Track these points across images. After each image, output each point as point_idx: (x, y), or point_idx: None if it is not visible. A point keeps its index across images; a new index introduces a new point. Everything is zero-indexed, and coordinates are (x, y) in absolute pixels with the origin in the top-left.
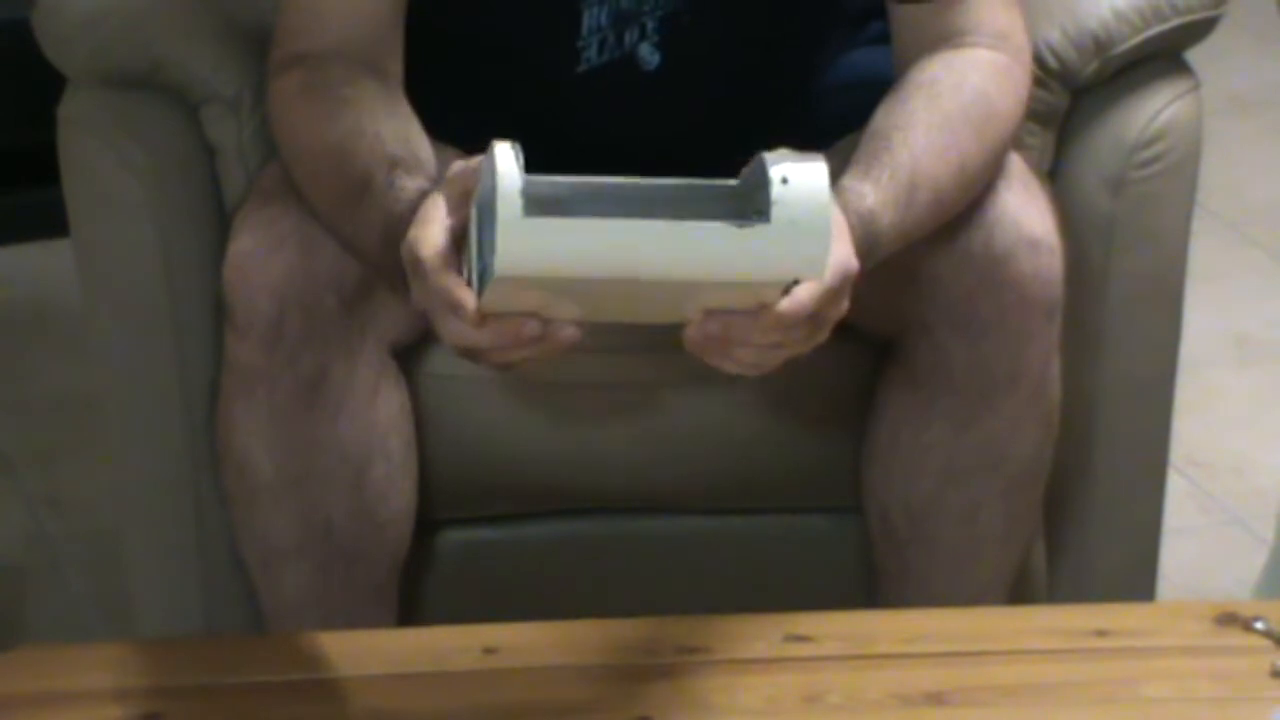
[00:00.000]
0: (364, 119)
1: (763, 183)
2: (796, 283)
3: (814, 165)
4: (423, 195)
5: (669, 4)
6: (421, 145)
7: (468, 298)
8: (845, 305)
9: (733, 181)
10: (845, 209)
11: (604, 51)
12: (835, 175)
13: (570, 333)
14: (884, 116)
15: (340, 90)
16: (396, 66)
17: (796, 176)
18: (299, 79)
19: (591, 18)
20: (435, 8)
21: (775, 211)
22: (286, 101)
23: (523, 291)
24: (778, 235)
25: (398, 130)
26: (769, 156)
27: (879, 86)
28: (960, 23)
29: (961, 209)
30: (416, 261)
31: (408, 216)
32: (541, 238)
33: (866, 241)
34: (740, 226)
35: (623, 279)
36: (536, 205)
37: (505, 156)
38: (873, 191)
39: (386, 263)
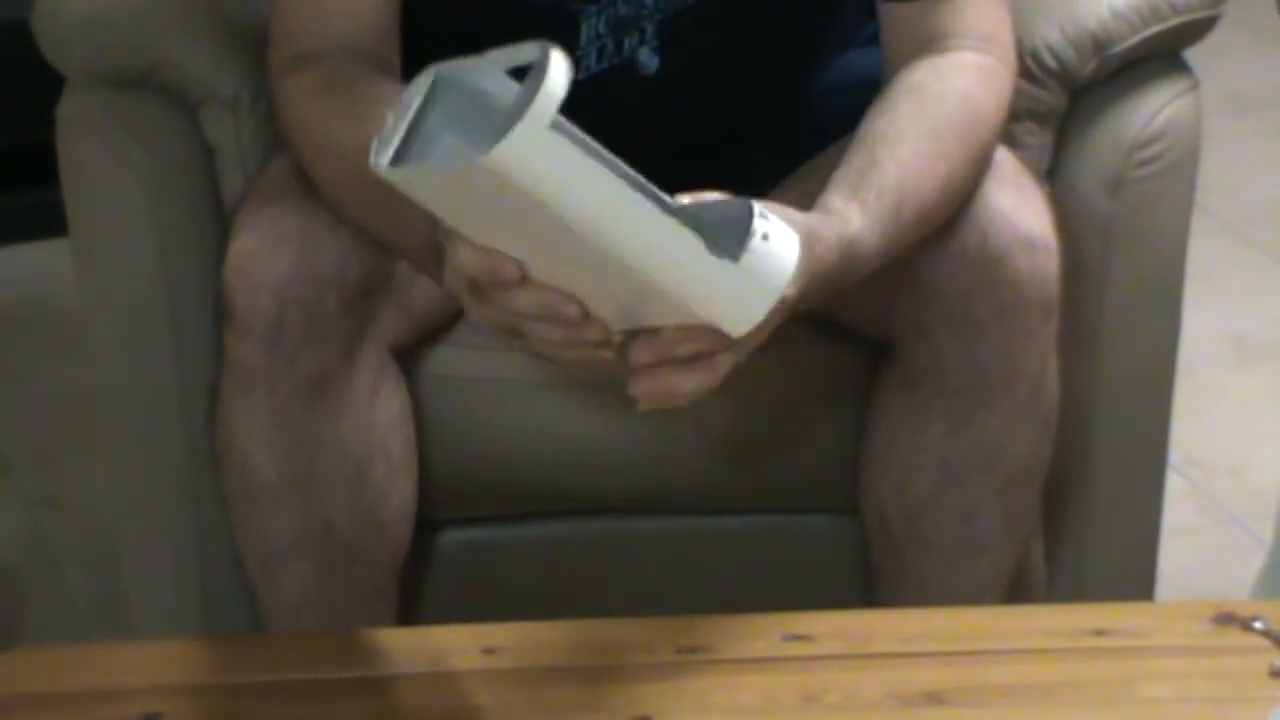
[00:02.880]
0: None
1: (744, 226)
2: None
3: (792, 238)
4: None
5: (668, 7)
6: None
7: (509, 265)
8: (764, 335)
9: (728, 199)
10: (829, 231)
11: (603, 58)
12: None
13: (597, 330)
14: (871, 124)
15: (361, 89)
16: (398, 66)
17: (777, 240)
18: (314, 77)
19: (590, 27)
20: (433, 14)
21: (744, 260)
22: (304, 100)
23: (473, 197)
24: (734, 281)
25: None
26: (759, 207)
27: (877, 87)
28: (948, 25)
29: (947, 217)
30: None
31: None
32: (547, 152)
33: (845, 263)
34: (711, 253)
35: (585, 232)
36: (558, 127)
37: (559, 67)
38: (859, 215)
39: (427, 252)
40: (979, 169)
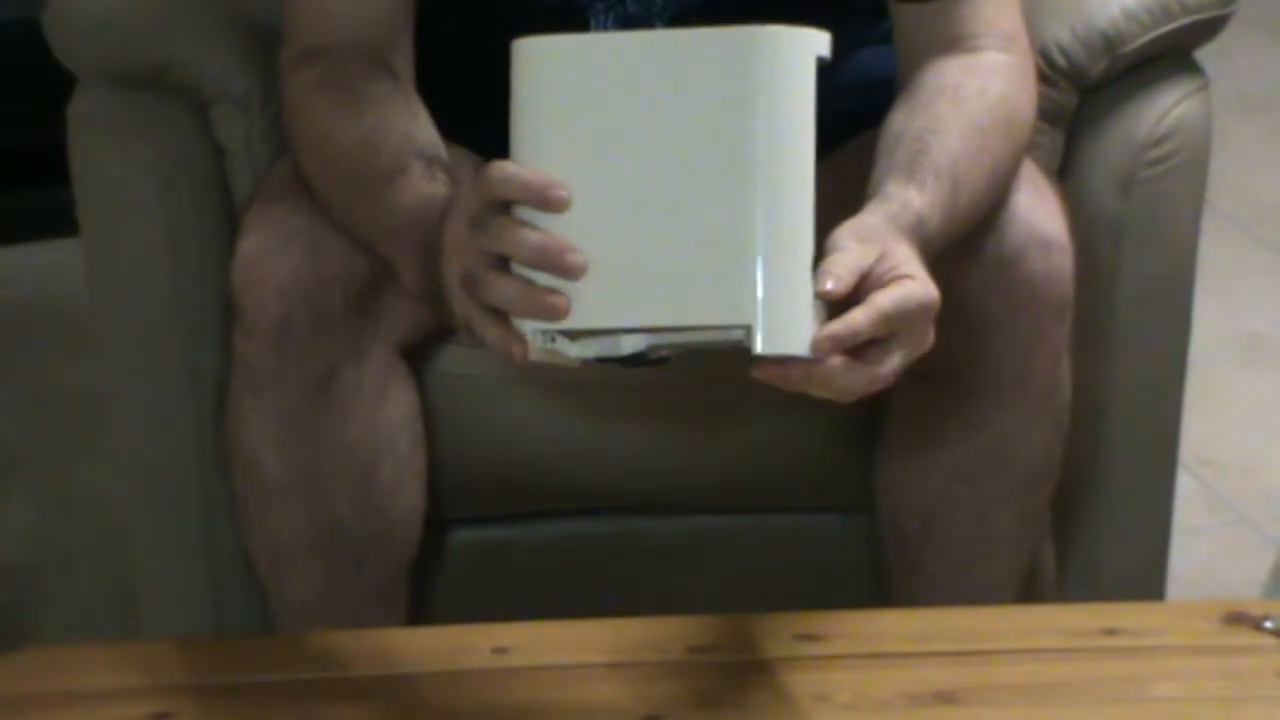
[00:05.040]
0: (389, 116)
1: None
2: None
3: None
4: (453, 195)
5: (677, 5)
6: (443, 149)
7: (559, 184)
8: (930, 339)
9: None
10: (894, 219)
11: None
12: (850, 174)
13: (558, 304)
14: (908, 120)
15: (362, 86)
16: (408, 69)
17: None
18: (319, 73)
19: (599, 24)
20: (439, 14)
21: (818, 300)
22: (307, 93)
23: (625, 87)
24: (797, 298)
25: (425, 131)
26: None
27: (889, 86)
28: (969, 25)
29: (989, 212)
30: (481, 185)
31: (440, 205)
32: (804, 64)
33: (919, 248)
34: (812, 260)
35: (758, 148)
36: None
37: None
38: (918, 196)
39: (406, 246)
40: (1016, 169)
